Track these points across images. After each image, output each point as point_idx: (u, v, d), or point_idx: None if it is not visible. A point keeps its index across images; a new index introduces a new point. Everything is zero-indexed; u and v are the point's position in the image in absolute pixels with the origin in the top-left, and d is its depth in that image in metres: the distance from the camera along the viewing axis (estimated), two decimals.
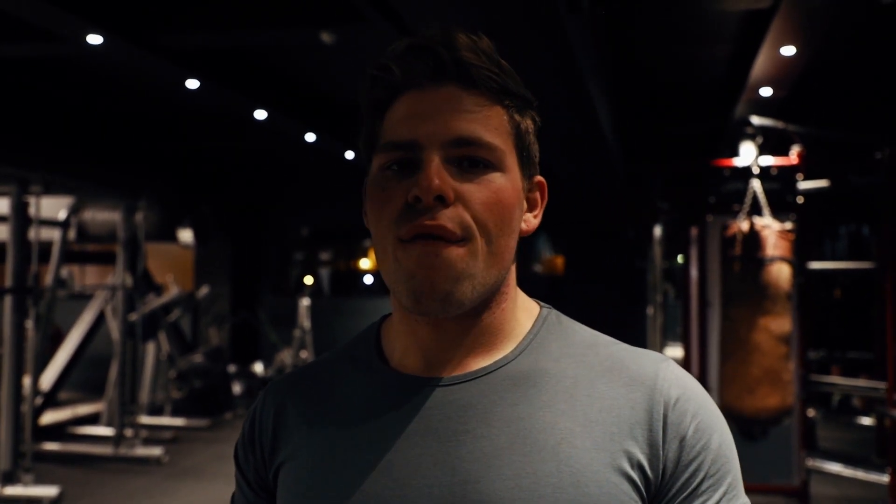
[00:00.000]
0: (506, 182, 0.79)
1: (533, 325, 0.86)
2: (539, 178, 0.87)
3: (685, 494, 0.77)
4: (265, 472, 0.90)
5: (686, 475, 0.77)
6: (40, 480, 5.51)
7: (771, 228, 4.51)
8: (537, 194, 0.87)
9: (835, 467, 5.37)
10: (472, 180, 0.77)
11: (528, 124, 0.83)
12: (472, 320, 0.82)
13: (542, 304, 0.90)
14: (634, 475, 0.76)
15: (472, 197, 0.77)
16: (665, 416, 0.78)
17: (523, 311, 0.87)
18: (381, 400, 0.83)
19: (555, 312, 0.89)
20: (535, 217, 0.86)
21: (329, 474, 0.82)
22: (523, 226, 0.84)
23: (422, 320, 0.82)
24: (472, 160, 0.78)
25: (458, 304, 0.78)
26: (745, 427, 4.80)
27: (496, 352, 0.83)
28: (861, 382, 6.39)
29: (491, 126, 0.78)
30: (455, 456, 0.78)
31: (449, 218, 0.76)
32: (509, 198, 0.79)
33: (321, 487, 0.82)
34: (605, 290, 10.38)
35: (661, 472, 0.77)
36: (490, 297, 0.82)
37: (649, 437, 0.77)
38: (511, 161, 0.80)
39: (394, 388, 0.83)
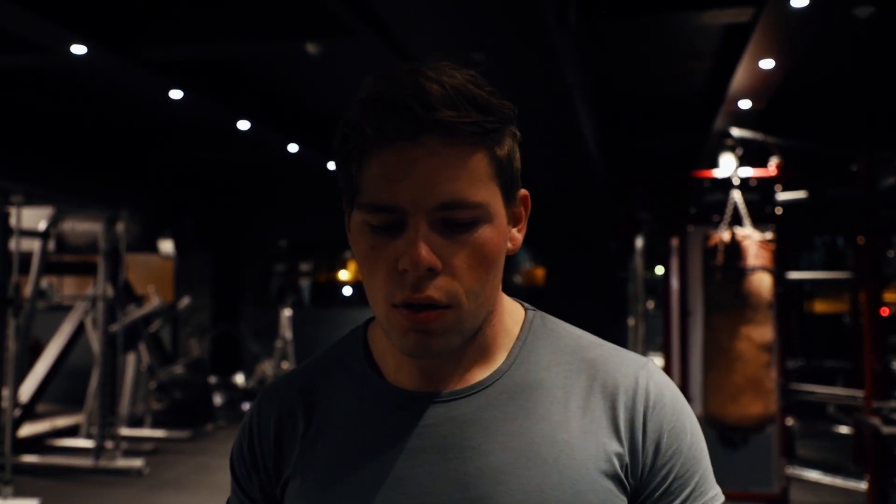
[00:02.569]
0: (492, 232, 0.80)
1: (521, 332, 0.89)
2: (522, 191, 0.86)
3: (658, 494, 0.83)
4: (271, 486, 0.90)
5: (658, 478, 0.83)
6: (20, 493, 5.44)
7: (752, 239, 4.58)
8: (521, 209, 0.86)
9: (814, 475, 5.44)
10: (459, 241, 0.78)
11: (508, 148, 0.81)
12: (466, 343, 0.84)
13: (525, 305, 0.92)
14: (621, 475, 0.82)
15: (459, 263, 0.78)
16: (644, 422, 0.83)
17: (510, 318, 0.89)
18: (383, 415, 0.85)
19: (539, 314, 0.91)
20: (519, 232, 0.87)
21: (339, 492, 0.84)
22: (510, 245, 0.85)
23: None
24: (468, 221, 0.78)
25: (449, 351, 0.82)
26: (727, 435, 4.86)
27: (491, 363, 0.86)
28: (839, 391, 6.48)
29: (473, 179, 0.77)
30: (463, 472, 0.81)
31: (437, 288, 0.77)
32: (495, 248, 0.80)
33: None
34: (585, 301, 10.45)
35: (639, 473, 0.83)
36: (482, 324, 0.85)
37: (631, 442, 0.83)
38: (497, 205, 0.80)
39: (393, 404, 0.85)
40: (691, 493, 0.84)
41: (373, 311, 0.84)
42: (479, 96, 0.77)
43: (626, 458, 0.82)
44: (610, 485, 0.81)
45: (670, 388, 0.86)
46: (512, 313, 0.90)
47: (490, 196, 0.79)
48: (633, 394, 0.84)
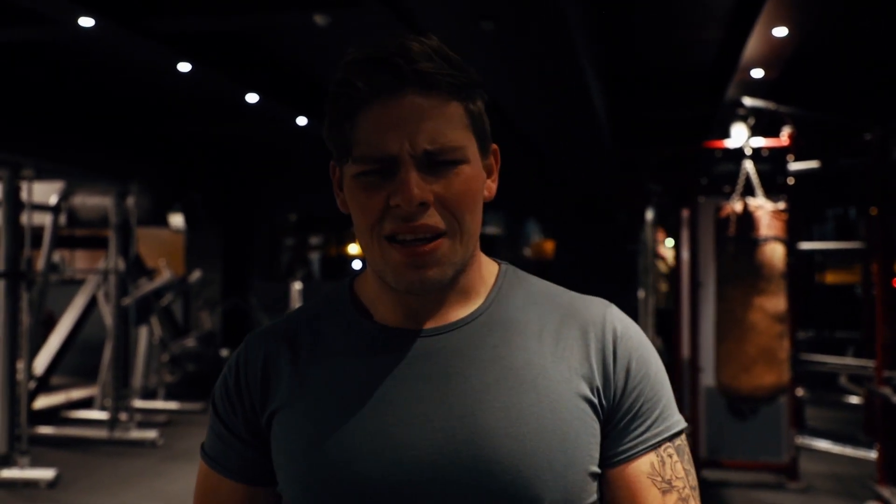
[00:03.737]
0: (471, 171, 0.89)
1: (496, 280, 0.98)
2: (493, 146, 0.96)
3: (630, 416, 0.91)
4: (256, 418, 0.95)
5: (630, 399, 0.91)
6: (36, 463, 5.52)
7: (764, 209, 4.56)
8: (492, 160, 0.96)
9: (824, 444, 5.46)
10: (445, 177, 0.87)
11: (479, 106, 0.91)
12: (451, 282, 0.92)
13: (499, 261, 1.01)
14: (594, 399, 0.90)
15: (446, 195, 0.87)
16: (614, 351, 0.92)
17: (486, 269, 0.98)
18: (370, 350, 0.92)
19: (512, 268, 1.00)
20: (493, 182, 0.96)
21: (329, 415, 0.89)
22: (486, 194, 0.94)
23: None
24: (450, 161, 0.87)
25: (441, 284, 0.90)
26: (737, 405, 4.87)
27: (469, 305, 0.94)
28: (850, 361, 6.48)
29: (453, 125, 0.87)
30: (448, 393, 0.88)
31: (430, 216, 0.86)
32: (476, 185, 0.90)
33: (324, 427, 0.89)
34: (595, 273, 10.44)
35: (612, 396, 0.91)
36: (467, 264, 0.93)
37: (603, 369, 0.91)
38: (472, 150, 0.90)
39: (381, 339, 0.93)
40: (659, 415, 0.92)
41: (366, 255, 0.91)
42: (452, 56, 0.88)
43: (598, 382, 0.90)
44: (583, 405, 0.89)
45: (633, 325, 0.96)
46: (487, 265, 0.99)
47: (466, 141, 0.88)
48: (601, 327, 0.93)
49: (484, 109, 0.93)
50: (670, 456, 0.92)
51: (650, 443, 0.91)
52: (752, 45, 5.35)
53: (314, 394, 0.91)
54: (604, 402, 0.90)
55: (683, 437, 0.94)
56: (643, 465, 0.91)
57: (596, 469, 0.90)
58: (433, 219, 0.86)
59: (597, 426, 0.90)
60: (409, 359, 0.91)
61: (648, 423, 0.91)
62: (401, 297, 0.92)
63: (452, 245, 0.88)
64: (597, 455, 0.90)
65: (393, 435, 0.87)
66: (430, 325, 0.92)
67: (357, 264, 13.59)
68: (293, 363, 0.94)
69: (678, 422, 0.94)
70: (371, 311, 0.96)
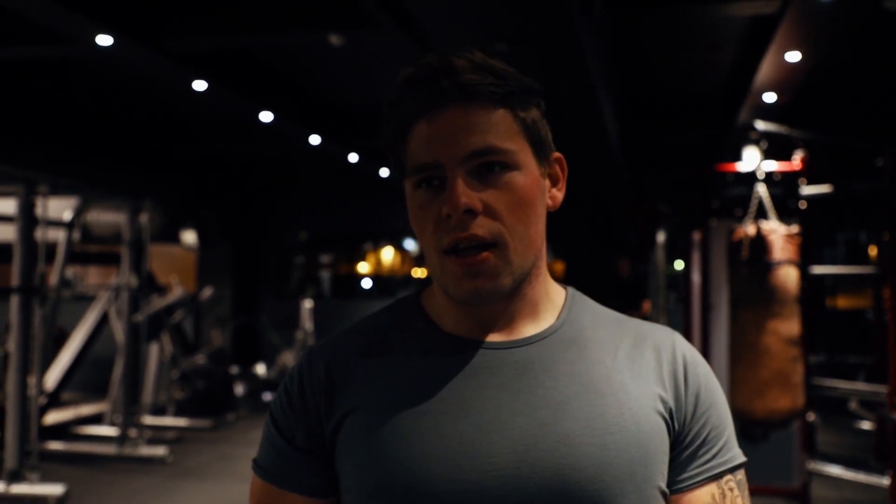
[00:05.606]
0: (524, 178, 0.89)
1: (566, 300, 0.98)
2: (556, 154, 0.96)
3: (696, 444, 0.91)
4: (320, 427, 0.93)
5: (698, 426, 0.92)
6: (46, 479, 5.51)
7: (777, 232, 4.55)
8: (557, 169, 0.96)
9: (835, 470, 5.41)
10: (495, 186, 0.88)
11: (534, 114, 0.92)
12: (517, 293, 0.93)
13: (563, 284, 1.02)
14: (667, 418, 0.91)
15: (496, 204, 0.87)
16: (685, 376, 0.93)
17: (553, 289, 0.98)
18: (443, 357, 0.92)
19: (577, 292, 1.01)
20: (559, 191, 0.96)
21: (403, 419, 0.88)
22: (549, 202, 0.95)
23: None
24: (490, 166, 0.87)
25: (501, 293, 0.90)
26: (749, 430, 4.84)
27: (542, 321, 0.95)
28: (861, 386, 6.43)
29: (500, 131, 0.88)
30: (528, 404, 0.88)
31: (479, 226, 0.87)
32: (530, 192, 0.90)
33: (396, 432, 0.87)
34: (606, 295, 10.40)
35: (682, 420, 0.91)
36: (529, 273, 0.93)
37: (675, 391, 0.92)
38: (525, 156, 0.90)
39: (454, 350, 0.92)
40: (723, 446, 0.93)
41: (429, 270, 0.93)
42: (498, 66, 0.89)
43: (671, 404, 0.91)
44: (661, 423, 0.90)
45: (699, 354, 0.97)
46: (554, 286, 0.99)
47: (516, 147, 0.89)
48: (671, 352, 0.94)
49: (541, 117, 0.93)
50: (731, 489, 0.92)
51: (713, 472, 0.92)
52: (765, 70, 5.37)
53: (387, 397, 0.90)
54: (675, 424, 0.91)
55: (743, 472, 0.95)
56: (704, 496, 0.91)
57: (665, 488, 0.90)
58: (481, 229, 0.86)
59: (668, 446, 0.91)
60: (483, 368, 0.90)
61: (713, 452, 0.92)
62: (468, 308, 0.92)
63: (504, 255, 0.88)
64: (667, 475, 0.91)
65: (471, 441, 0.86)
66: (501, 337, 0.93)
67: (367, 283, 13.60)
68: (364, 367, 0.93)
69: (739, 455, 0.94)
70: (439, 322, 0.95)
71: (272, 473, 0.95)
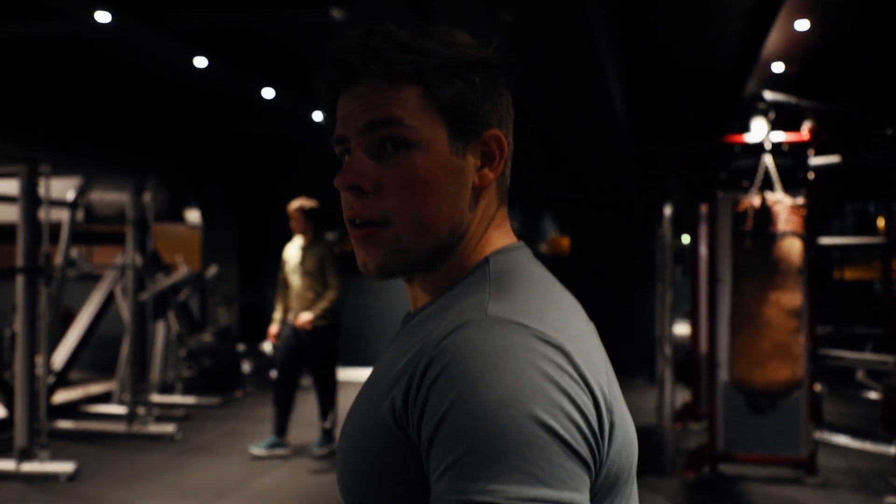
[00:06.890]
0: (423, 158, 0.85)
1: (463, 276, 0.87)
2: (492, 131, 0.89)
3: (430, 462, 0.74)
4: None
5: (426, 442, 0.74)
6: (56, 457, 5.55)
7: (782, 203, 4.52)
8: (494, 147, 0.90)
9: (842, 439, 5.42)
10: (393, 165, 0.85)
11: (458, 89, 0.87)
12: (430, 273, 0.90)
13: (509, 249, 0.89)
14: (399, 420, 0.77)
15: (389, 184, 0.85)
16: (422, 379, 0.75)
17: (480, 269, 0.86)
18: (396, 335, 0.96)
19: (495, 268, 0.86)
20: (491, 170, 0.90)
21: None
22: (476, 181, 0.89)
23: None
24: (391, 140, 0.85)
25: (394, 273, 0.89)
26: (755, 400, 4.84)
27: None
28: (868, 356, 6.42)
29: (404, 107, 0.85)
30: (366, 385, 0.89)
31: (365, 206, 0.86)
32: (428, 172, 0.85)
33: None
34: (611, 269, 10.38)
35: (414, 426, 0.76)
36: (442, 254, 0.88)
37: (406, 391, 0.77)
38: (431, 134, 0.86)
39: (401, 328, 0.95)
40: (450, 466, 0.71)
41: None
42: (411, 42, 0.87)
43: (399, 403, 0.77)
44: (384, 420, 0.79)
45: (464, 353, 0.74)
46: (482, 266, 0.87)
47: (422, 125, 0.85)
48: (433, 348, 0.76)
49: (472, 93, 0.87)
50: None
51: None
52: (774, 39, 5.30)
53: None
54: (410, 427, 0.80)
55: None
56: None
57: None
58: (368, 209, 0.86)
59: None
60: (391, 344, 0.93)
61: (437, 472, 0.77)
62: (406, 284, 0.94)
63: (396, 236, 0.86)
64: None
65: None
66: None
67: None
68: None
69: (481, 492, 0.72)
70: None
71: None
